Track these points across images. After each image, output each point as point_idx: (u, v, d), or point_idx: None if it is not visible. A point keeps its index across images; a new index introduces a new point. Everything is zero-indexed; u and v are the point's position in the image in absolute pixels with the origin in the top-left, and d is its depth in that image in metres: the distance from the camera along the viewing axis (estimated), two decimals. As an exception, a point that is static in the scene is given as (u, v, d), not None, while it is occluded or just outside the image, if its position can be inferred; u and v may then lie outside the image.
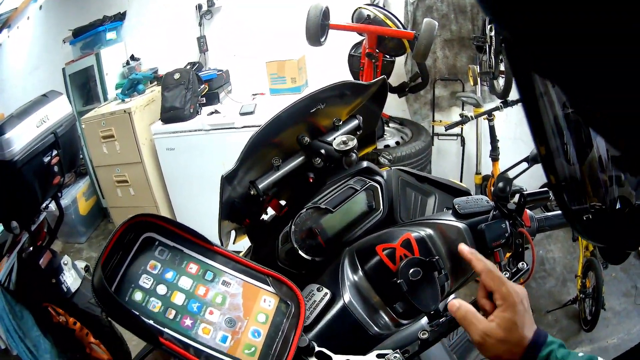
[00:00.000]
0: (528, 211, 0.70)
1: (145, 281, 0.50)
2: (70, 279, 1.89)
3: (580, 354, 0.51)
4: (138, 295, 0.50)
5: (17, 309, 1.87)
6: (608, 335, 2.03)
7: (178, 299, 0.50)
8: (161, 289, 0.50)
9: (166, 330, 0.47)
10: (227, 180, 0.72)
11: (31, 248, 1.90)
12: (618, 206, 0.47)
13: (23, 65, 3.57)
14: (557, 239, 2.74)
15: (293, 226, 0.73)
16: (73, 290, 1.82)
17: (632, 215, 0.46)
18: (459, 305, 0.55)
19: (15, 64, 3.66)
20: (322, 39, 2.30)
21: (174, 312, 0.49)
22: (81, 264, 2.05)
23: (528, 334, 0.53)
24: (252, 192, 0.78)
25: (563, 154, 0.40)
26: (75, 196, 3.06)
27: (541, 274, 2.49)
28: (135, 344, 2.28)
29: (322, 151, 0.82)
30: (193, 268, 0.52)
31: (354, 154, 0.81)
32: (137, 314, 0.47)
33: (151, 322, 0.47)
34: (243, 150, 0.73)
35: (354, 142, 0.80)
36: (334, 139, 0.83)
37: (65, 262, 1.91)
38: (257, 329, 0.50)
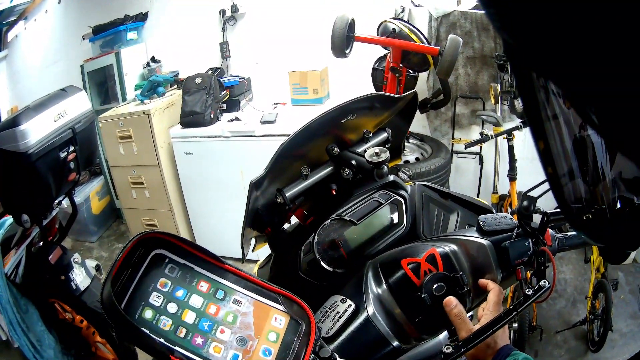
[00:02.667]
0: (550, 230, 0.71)
1: (156, 299, 0.50)
2: (80, 277, 1.87)
3: None
4: (148, 314, 0.49)
5: (23, 303, 1.86)
6: (614, 357, 2.05)
7: (189, 317, 0.50)
8: (172, 307, 0.50)
9: (177, 348, 0.47)
10: (255, 186, 0.73)
11: (41, 243, 1.90)
12: (618, 206, 0.47)
13: (39, 59, 3.55)
14: (570, 261, 2.76)
15: (316, 237, 0.74)
16: (82, 288, 1.81)
17: (632, 215, 0.46)
18: (456, 304, 0.60)
19: (31, 57, 3.64)
20: (347, 51, 2.29)
21: (184, 330, 0.49)
22: (92, 263, 2.04)
23: (500, 342, 0.62)
24: (278, 200, 0.79)
25: (563, 152, 0.40)
26: (89, 195, 3.05)
27: (552, 294, 2.49)
28: None
29: (353, 162, 0.82)
30: (204, 286, 0.52)
31: (385, 166, 0.81)
32: (148, 332, 0.47)
33: (162, 340, 0.47)
34: (272, 157, 0.74)
35: (386, 155, 0.80)
36: (365, 150, 0.83)
37: (76, 259, 1.89)
38: (268, 347, 0.50)
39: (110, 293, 0.47)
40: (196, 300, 0.50)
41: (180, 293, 0.51)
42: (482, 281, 0.64)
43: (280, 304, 0.54)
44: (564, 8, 0.17)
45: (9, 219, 1.86)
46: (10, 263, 1.85)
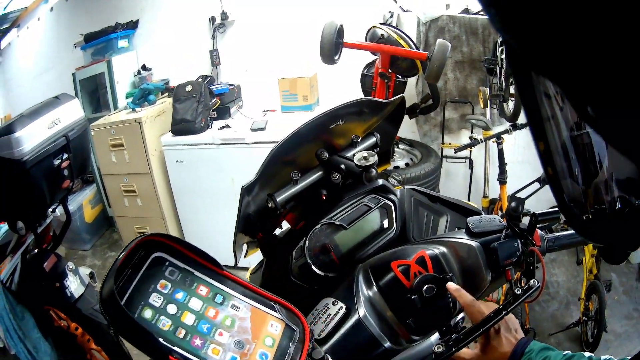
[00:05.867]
0: (539, 231, 0.72)
1: (156, 300, 0.51)
2: (75, 285, 1.87)
3: (564, 353, 0.54)
4: (148, 313, 0.50)
5: (19, 310, 1.85)
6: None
7: (188, 319, 0.50)
8: (171, 309, 0.51)
9: (176, 349, 0.47)
10: (247, 191, 0.73)
11: (36, 250, 1.88)
12: (618, 206, 0.47)
13: (32, 67, 3.55)
14: (562, 263, 2.76)
15: (307, 241, 0.74)
16: (77, 295, 1.80)
17: (632, 215, 0.46)
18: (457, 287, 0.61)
19: (23, 65, 3.65)
20: (336, 57, 2.30)
21: (184, 331, 0.49)
22: (85, 271, 2.04)
23: (507, 349, 0.59)
24: (269, 205, 0.79)
25: (562, 151, 0.40)
26: (82, 203, 3.06)
27: (545, 297, 2.51)
28: (137, 352, 2.29)
29: (342, 166, 0.83)
30: (203, 290, 0.52)
31: (374, 170, 0.82)
32: (148, 329, 0.47)
33: (161, 339, 0.48)
34: (263, 163, 0.74)
35: (374, 158, 0.81)
36: (354, 155, 0.83)
37: (70, 267, 1.90)
38: (264, 352, 0.51)
39: (112, 288, 0.47)
40: (195, 303, 0.51)
41: (180, 295, 0.51)
42: (451, 290, 0.65)
43: (276, 311, 0.55)
44: (565, 7, 0.17)
45: (3, 227, 1.88)
46: (6, 270, 1.85)
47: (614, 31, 0.17)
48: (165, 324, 0.49)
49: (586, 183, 0.46)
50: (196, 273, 0.53)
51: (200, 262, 0.54)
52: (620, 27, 0.16)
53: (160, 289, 0.51)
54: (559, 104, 0.36)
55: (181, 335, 0.49)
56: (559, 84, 0.22)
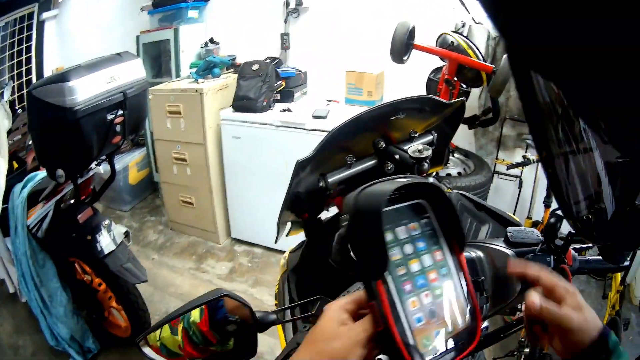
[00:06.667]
0: (572, 251, 0.72)
1: (401, 233, 0.53)
2: (107, 240, 1.86)
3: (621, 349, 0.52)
4: (389, 236, 0.52)
5: (40, 257, 1.87)
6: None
7: (414, 266, 0.52)
8: (408, 249, 0.53)
9: (389, 277, 0.49)
10: (301, 166, 0.74)
11: (72, 201, 1.90)
12: (618, 206, 0.48)
13: (93, 24, 3.57)
14: (589, 295, 2.77)
15: None
16: (107, 252, 1.81)
17: (632, 215, 0.46)
18: (539, 302, 0.53)
19: (83, 21, 3.66)
20: (405, 57, 2.33)
21: (404, 271, 0.51)
22: (121, 229, 2.03)
23: (593, 314, 0.52)
24: (321, 184, 0.80)
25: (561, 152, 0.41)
26: (128, 164, 3.09)
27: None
28: (157, 318, 2.30)
29: (397, 156, 0.84)
30: (438, 256, 0.54)
31: (426, 164, 0.82)
32: (384, 242, 0.49)
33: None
34: (321, 142, 0.76)
35: (429, 152, 0.81)
36: (409, 148, 0.84)
37: (106, 223, 1.89)
38: (440, 331, 0.52)
39: (386, 198, 0.48)
40: (426, 260, 0.53)
41: (421, 244, 0.53)
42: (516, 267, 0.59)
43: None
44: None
45: (41, 174, 1.88)
46: (35, 216, 1.86)
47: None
48: (395, 254, 0.52)
49: (586, 183, 0.47)
50: (442, 240, 0.55)
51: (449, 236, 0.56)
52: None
53: (410, 228, 0.54)
54: (560, 105, 0.36)
55: (399, 273, 0.51)
56: (556, 83, 0.22)
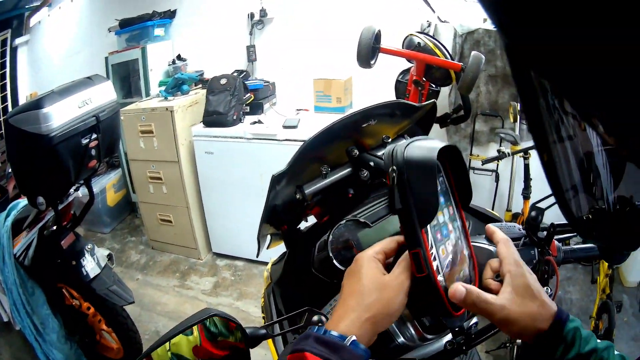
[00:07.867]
0: (556, 242, 0.72)
1: None
2: (91, 264, 1.86)
3: (599, 341, 0.51)
4: None
5: (29, 285, 1.87)
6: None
7: (440, 218, 0.55)
8: None
9: (427, 226, 0.52)
10: (277, 180, 0.75)
11: (55, 227, 1.89)
12: (618, 206, 0.48)
13: (63, 48, 3.57)
14: (577, 282, 2.78)
15: (331, 236, 0.75)
16: (92, 275, 1.81)
17: (632, 215, 0.47)
18: (467, 290, 0.50)
19: (53, 45, 3.66)
20: (372, 62, 2.32)
21: (435, 222, 0.53)
22: (104, 252, 2.04)
23: (547, 300, 0.49)
24: (297, 196, 0.81)
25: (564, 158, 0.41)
26: (105, 186, 3.07)
27: (557, 313, 2.53)
28: (147, 337, 2.31)
29: (371, 163, 0.84)
30: (451, 211, 0.58)
31: None
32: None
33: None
34: (295, 155, 0.76)
35: None
36: (383, 154, 0.85)
37: (89, 247, 1.89)
38: (459, 276, 0.56)
39: (437, 150, 0.51)
40: (446, 213, 0.56)
41: (441, 199, 0.56)
42: (489, 229, 0.60)
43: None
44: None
45: (22, 202, 1.88)
46: (21, 244, 1.85)
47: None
48: None
49: (586, 183, 0.47)
50: (452, 197, 0.59)
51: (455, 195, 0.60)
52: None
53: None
54: (560, 105, 0.36)
55: (432, 223, 0.52)
56: (557, 83, 0.22)
